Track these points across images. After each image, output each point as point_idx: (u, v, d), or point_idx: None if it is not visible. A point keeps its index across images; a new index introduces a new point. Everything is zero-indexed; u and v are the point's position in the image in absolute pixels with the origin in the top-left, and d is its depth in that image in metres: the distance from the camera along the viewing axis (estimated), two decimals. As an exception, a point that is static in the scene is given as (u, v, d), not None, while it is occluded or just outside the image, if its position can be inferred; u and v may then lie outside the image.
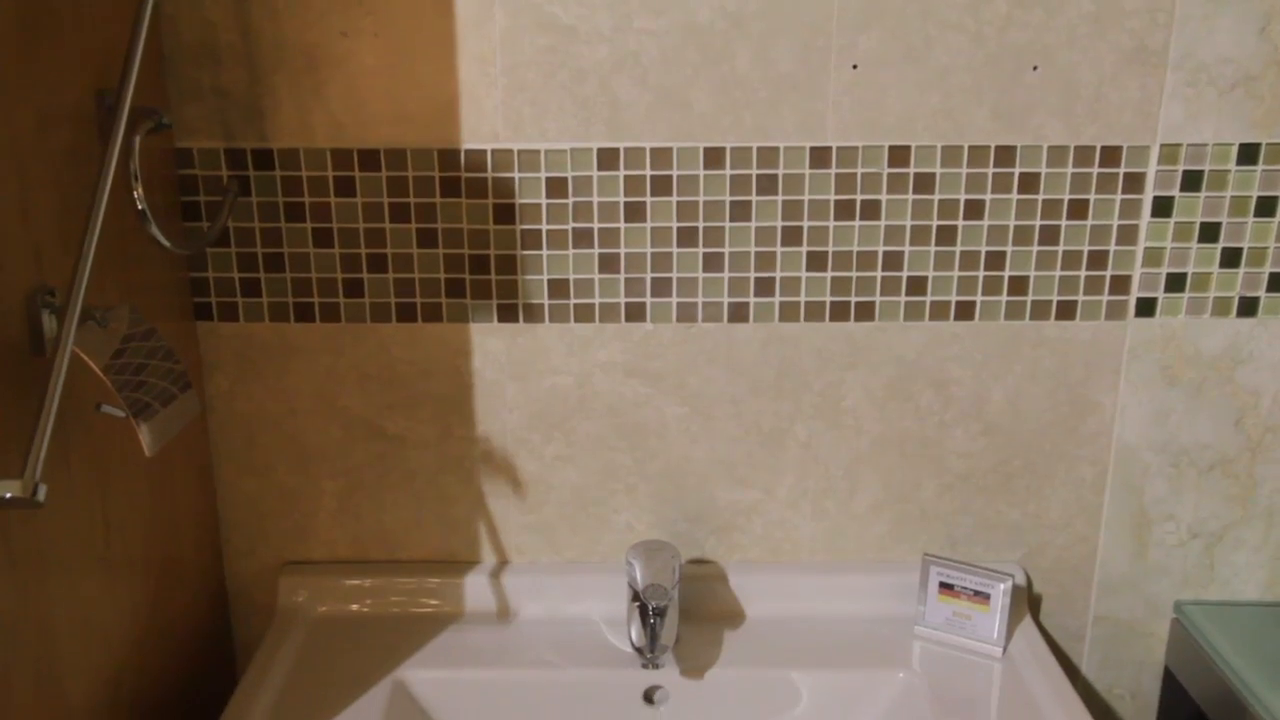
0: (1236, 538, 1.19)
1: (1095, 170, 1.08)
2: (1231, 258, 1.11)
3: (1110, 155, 1.08)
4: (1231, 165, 1.08)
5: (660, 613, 1.04)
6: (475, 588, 1.19)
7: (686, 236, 1.10)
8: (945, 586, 1.15)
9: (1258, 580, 1.21)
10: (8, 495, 0.70)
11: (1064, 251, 1.11)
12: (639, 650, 1.07)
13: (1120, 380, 1.14)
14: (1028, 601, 1.20)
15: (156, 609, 1.05)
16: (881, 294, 1.12)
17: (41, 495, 0.70)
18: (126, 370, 0.88)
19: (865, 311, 1.12)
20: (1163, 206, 1.09)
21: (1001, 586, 1.13)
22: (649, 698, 1.11)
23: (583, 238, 1.10)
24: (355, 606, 1.19)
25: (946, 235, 1.10)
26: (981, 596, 1.14)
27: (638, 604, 1.05)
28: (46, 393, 0.73)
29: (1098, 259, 1.11)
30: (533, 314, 1.12)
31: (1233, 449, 1.16)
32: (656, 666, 1.09)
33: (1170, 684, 1.22)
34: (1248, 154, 1.08)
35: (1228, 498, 1.17)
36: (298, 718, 1.02)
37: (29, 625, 0.83)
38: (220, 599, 1.20)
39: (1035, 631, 1.16)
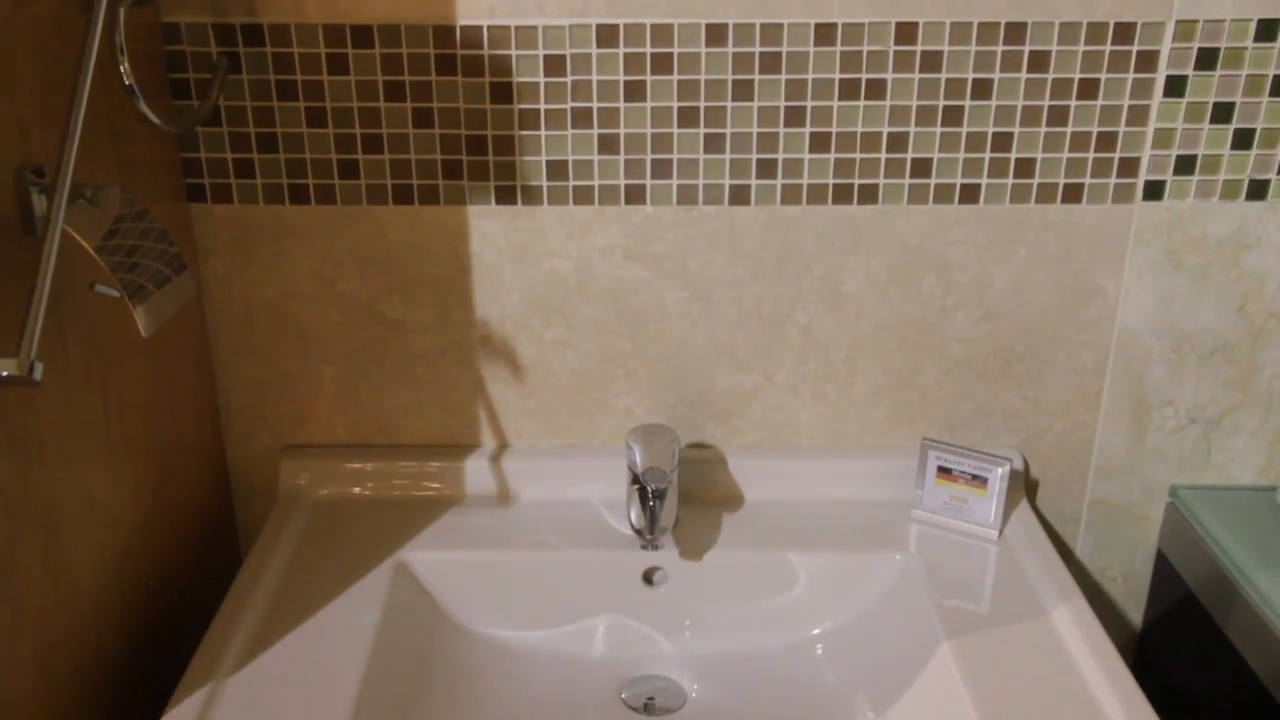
0: (1234, 423, 1.19)
1: (1107, 48, 1.05)
2: (1244, 139, 1.09)
3: (1124, 32, 1.05)
4: (1249, 42, 1.05)
5: (659, 495, 1.05)
6: (475, 472, 1.20)
7: (687, 117, 1.08)
8: (943, 471, 1.16)
9: (1253, 465, 1.21)
10: (4, 373, 0.69)
11: (1072, 133, 1.08)
12: (638, 532, 1.08)
13: (1125, 265, 1.13)
14: (1025, 486, 1.21)
15: (159, 492, 1.05)
16: (885, 176, 1.10)
17: (38, 374, 0.70)
18: (119, 251, 0.86)
19: (868, 194, 1.11)
20: (1175, 86, 1.07)
21: (999, 471, 1.13)
22: (648, 578, 1.13)
23: (581, 118, 1.08)
24: (357, 490, 1.20)
25: (953, 116, 1.08)
26: (979, 481, 1.14)
27: (637, 487, 1.06)
28: (39, 271, 0.72)
29: (1106, 141, 1.09)
30: (531, 196, 1.11)
31: (1235, 334, 1.15)
32: (656, 548, 1.10)
33: (1162, 566, 1.24)
34: (1266, 30, 1.05)
35: (1228, 383, 1.17)
36: (302, 598, 1.04)
37: (33, 506, 0.84)
38: (222, 482, 1.21)
39: (1031, 515, 1.18)
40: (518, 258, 1.13)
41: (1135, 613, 1.29)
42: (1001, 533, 1.15)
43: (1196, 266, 1.13)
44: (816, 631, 1.11)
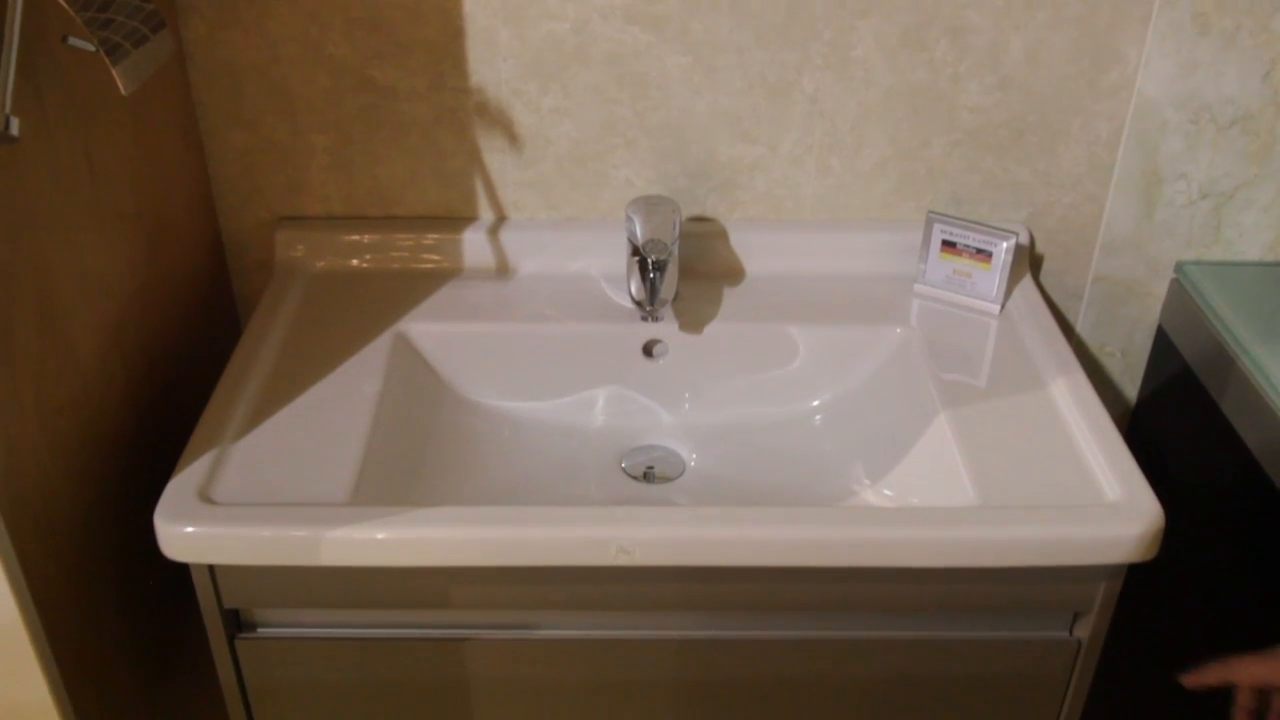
0: (1247, 197, 1.17)
1: None
2: (1285, -111, 1.02)
3: None
4: None
5: (660, 267, 1.04)
6: (474, 244, 1.18)
7: None
8: (947, 244, 1.14)
9: (1262, 241, 1.19)
10: (-21, 129, 0.67)
11: (1103, -117, 1.02)
12: (638, 304, 1.08)
13: (1148, 29, 1.08)
14: (1029, 261, 1.20)
15: (153, 261, 1.04)
16: (901, -69, 1.04)
17: (15, 129, 0.67)
18: (92, 6, 0.82)
19: (883, -49, 1.05)
20: None
21: (1004, 244, 1.12)
22: (648, 351, 1.13)
23: None
24: (354, 262, 1.19)
25: None
26: (983, 254, 1.13)
27: (637, 258, 1.04)
28: (6, 21, 0.68)
29: (1139, -109, 1.02)
30: (526, -48, 1.05)
31: (1256, 104, 1.11)
32: (656, 320, 1.09)
33: (1162, 342, 1.24)
34: None
35: (1244, 155, 1.14)
36: (302, 368, 1.04)
37: (25, 272, 0.82)
38: (217, 253, 1.19)
39: (1034, 290, 1.17)
40: (513, 19, 1.08)
41: (1131, 389, 1.30)
42: (1003, 308, 1.14)
43: (1224, 30, 1.08)
44: (815, 403, 1.12)
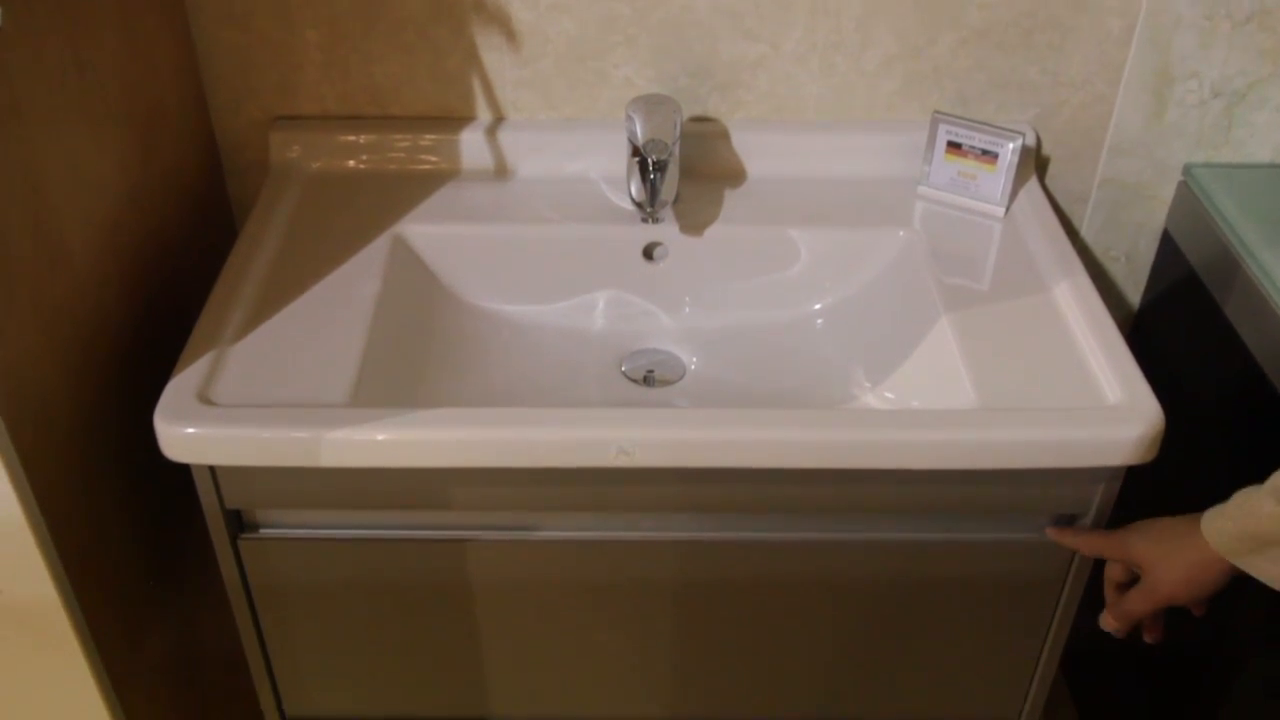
0: (1260, 96, 1.14)
1: None
2: None
3: None
4: None
5: (660, 167, 1.02)
6: (472, 145, 1.16)
7: None
8: (953, 145, 1.12)
9: (1274, 142, 1.17)
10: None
11: None
12: (639, 205, 1.06)
13: (1164, -79, 1.05)
14: (1035, 163, 1.18)
15: (146, 162, 1.02)
16: None
17: (-2, 19, 0.65)
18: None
19: None
20: None
21: (1010, 145, 1.10)
22: (648, 254, 1.12)
23: None
24: (351, 163, 1.17)
25: None
26: (989, 156, 1.11)
27: (638, 159, 1.03)
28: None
29: None
30: None
31: (1275, -2, 1.09)
32: (656, 221, 1.08)
33: (1167, 246, 1.23)
34: None
35: (1260, 52, 1.11)
36: (300, 269, 1.03)
37: (16, 173, 0.81)
38: (211, 154, 1.18)
39: (1040, 193, 1.15)
40: (510, -90, 1.05)
41: (1134, 293, 1.29)
42: (1008, 210, 1.13)
43: (1242, -77, 1.05)
44: (816, 307, 1.12)
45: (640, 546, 0.95)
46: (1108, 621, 0.92)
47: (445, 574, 0.97)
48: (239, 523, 0.95)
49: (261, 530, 0.95)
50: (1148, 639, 0.93)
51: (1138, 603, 0.89)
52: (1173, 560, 0.85)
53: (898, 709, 1.09)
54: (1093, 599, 0.97)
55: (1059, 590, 0.99)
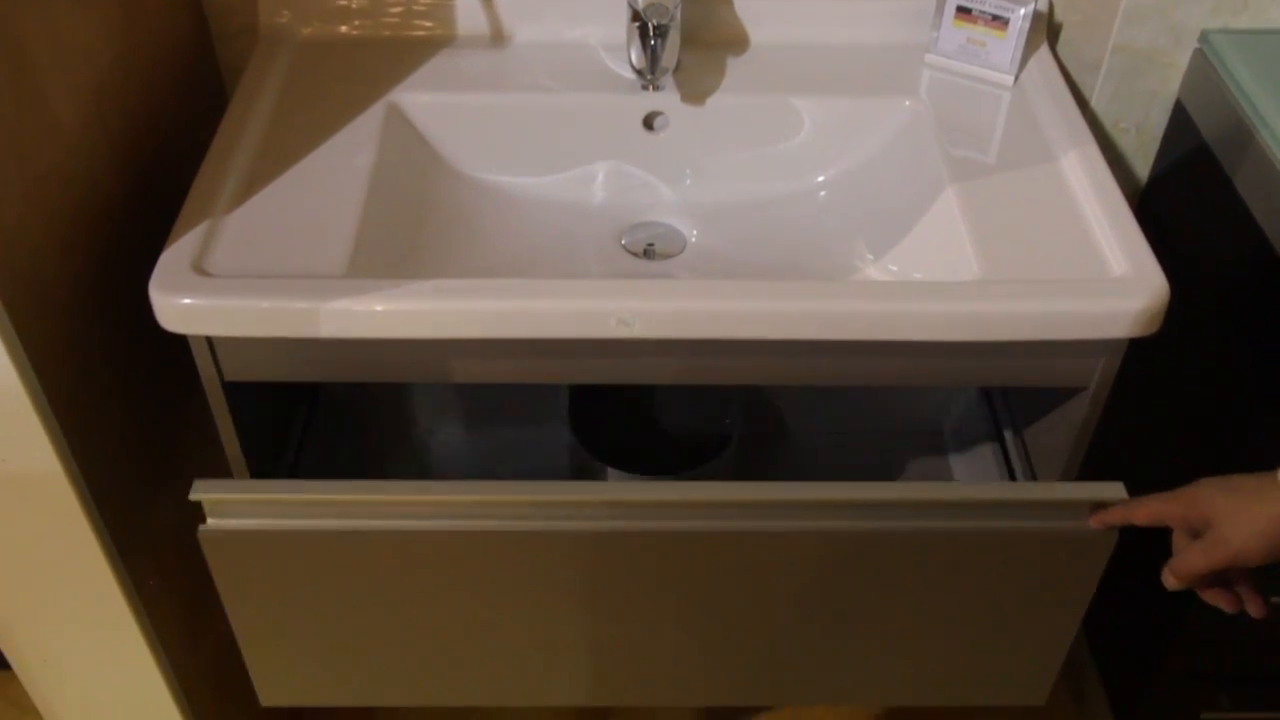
0: (1282, -41, 1.11)
1: None
2: None
3: None
4: None
5: (661, 32, 0.99)
6: (467, 10, 1.13)
7: None
8: (962, 10, 1.09)
9: (1294, 8, 1.14)
10: None
11: None
12: (639, 72, 1.04)
13: None
14: (1047, 30, 1.15)
15: (130, 27, 0.99)
16: None
17: None
18: None
19: None
20: None
21: (1021, 11, 1.07)
22: (649, 124, 1.09)
23: None
24: (343, 29, 1.14)
25: None
26: (999, 21, 1.08)
27: (638, 24, 1.00)
28: None
29: None
30: None
31: None
32: (657, 89, 1.05)
33: (1179, 117, 1.20)
34: None
35: (1284, -88, 1.07)
36: (293, 138, 1.01)
37: (-4, 36, 0.79)
38: (198, 19, 1.14)
39: (1051, 61, 1.12)
40: None
41: (1143, 166, 1.27)
42: (1017, 79, 1.10)
43: None
44: (820, 178, 1.10)
45: (625, 538, 0.89)
46: (1168, 579, 0.82)
47: (418, 562, 0.92)
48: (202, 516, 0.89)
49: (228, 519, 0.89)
50: (1251, 611, 0.83)
51: (1199, 557, 0.79)
52: (1251, 513, 0.77)
53: (922, 693, 1.05)
54: (1090, 474, 0.97)
55: (1091, 585, 0.94)
